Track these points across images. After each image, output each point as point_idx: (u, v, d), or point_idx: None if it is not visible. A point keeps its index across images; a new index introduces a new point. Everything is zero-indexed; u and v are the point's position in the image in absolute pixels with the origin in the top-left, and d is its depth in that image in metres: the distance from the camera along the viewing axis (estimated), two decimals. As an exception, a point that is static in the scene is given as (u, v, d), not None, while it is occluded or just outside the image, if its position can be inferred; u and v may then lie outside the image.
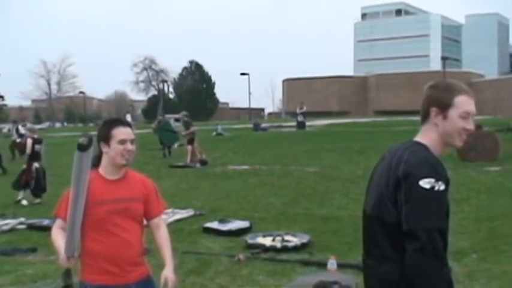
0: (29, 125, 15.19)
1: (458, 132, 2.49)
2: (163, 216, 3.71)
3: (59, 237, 3.29)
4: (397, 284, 2.38)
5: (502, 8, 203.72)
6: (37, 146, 12.85)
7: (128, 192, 3.30)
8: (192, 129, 20.75)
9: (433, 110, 2.48)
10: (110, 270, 3.24)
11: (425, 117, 2.52)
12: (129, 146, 3.26)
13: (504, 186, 12.48)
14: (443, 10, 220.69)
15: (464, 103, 2.49)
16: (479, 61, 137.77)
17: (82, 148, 2.95)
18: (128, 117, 52.24)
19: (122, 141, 3.24)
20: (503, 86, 75.66)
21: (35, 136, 13.08)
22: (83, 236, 3.29)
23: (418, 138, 2.55)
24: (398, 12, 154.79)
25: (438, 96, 2.49)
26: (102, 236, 3.23)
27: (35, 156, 12.81)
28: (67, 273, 3.27)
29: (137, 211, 3.34)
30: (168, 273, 3.37)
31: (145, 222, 3.50)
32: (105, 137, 3.26)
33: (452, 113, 2.47)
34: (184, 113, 24.52)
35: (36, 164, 12.75)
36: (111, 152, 3.25)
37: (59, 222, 3.37)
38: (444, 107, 2.47)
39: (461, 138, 2.51)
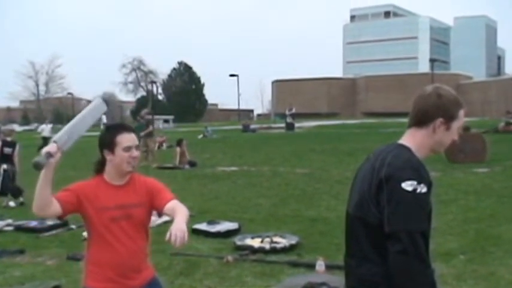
0: (3, 128, 15.03)
1: (451, 143, 2.55)
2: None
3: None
4: (377, 285, 2.40)
5: (490, 10, 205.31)
6: (7, 149, 12.72)
7: (132, 198, 3.21)
8: (150, 128, 20.62)
9: (440, 120, 2.48)
10: (114, 278, 3.17)
11: (424, 122, 2.51)
12: (135, 153, 3.17)
13: (492, 187, 12.54)
14: (431, 12, 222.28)
15: (463, 117, 2.55)
16: (468, 63, 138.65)
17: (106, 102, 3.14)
18: (104, 119, 51.91)
19: (127, 148, 3.15)
20: (490, 88, 76.09)
21: (8, 139, 12.97)
22: (89, 243, 3.25)
23: (404, 140, 2.55)
24: (387, 14, 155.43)
25: (448, 108, 2.50)
26: (108, 243, 3.16)
27: (4, 158, 12.70)
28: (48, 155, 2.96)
29: (141, 217, 3.25)
30: (174, 225, 2.92)
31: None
32: (109, 145, 3.16)
33: (455, 125, 2.52)
34: (145, 110, 23.96)
35: (4, 166, 12.64)
36: (116, 159, 3.15)
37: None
38: (450, 119, 2.50)
39: (448, 147, 2.58)
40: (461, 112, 2.53)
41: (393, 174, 2.34)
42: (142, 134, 20.64)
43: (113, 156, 3.15)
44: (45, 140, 27.44)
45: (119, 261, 3.17)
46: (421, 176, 2.34)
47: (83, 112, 3.18)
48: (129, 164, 3.17)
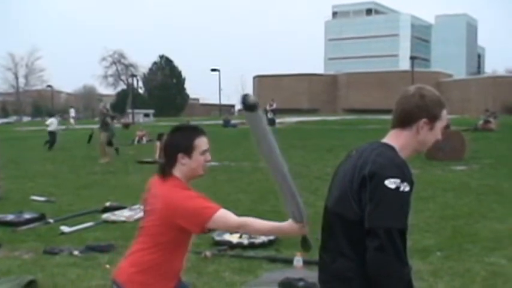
0: None
1: (434, 142, 2.57)
2: None
3: (258, 221, 3.04)
4: (350, 280, 2.41)
5: (470, 9, 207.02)
6: None
7: None
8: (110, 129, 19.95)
9: (424, 121, 2.51)
10: (164, 281, 3.05)
11: (408, 123, 2.53)
12: (209, 156, 3.10)
13: (469, 185, 12.65)
14: (413, 10, 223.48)
15: (446, 116, 2.58)
16: (448, 61, 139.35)
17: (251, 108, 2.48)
18: (72, 112, 51.12)
19: (204, 152, 3.06)
20: (470, 86, 76.60)
21: None
22: (154, 250, 3.01)
23: (387, 140, 2.57)
24: (369, 11, 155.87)
25: (431, 108, 2.52)
26: (180, 250, 3.07)
27: None
28: (305, 240, 2.93)
29: None
30: None
31: None
32: (186, 148, 3.01)
33: (438, 125, 2.55)
34: (102, 104, 22.42)
35: None
36: (193, 164, 3.02)
37: (225, 211, 2.95)
38: (433, 119, 2.52)
39: (430, 147, 2.61)
40: (444, 112, 2.56)
41: (377, 171, 2.35)
42: (101, 137, 19.80)
43: (190, 160, 3.03)
44: (52, 135, 26.39)
45: (180, 265, 3.12)
46: (404, 175, 2.35)
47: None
48: (203, 168, 3.08)
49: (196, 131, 3.12)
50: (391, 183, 2.31)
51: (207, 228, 2.94)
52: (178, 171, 3.04)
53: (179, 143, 3.04)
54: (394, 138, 2.55)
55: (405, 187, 2.32)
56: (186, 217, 2.90)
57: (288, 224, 2.84)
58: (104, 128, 20.23)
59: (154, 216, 3.00)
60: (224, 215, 2.92)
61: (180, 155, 3.02)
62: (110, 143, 20.38)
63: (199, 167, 3.06)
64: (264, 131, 2.57)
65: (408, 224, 2.38)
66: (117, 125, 23.82)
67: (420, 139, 2.54)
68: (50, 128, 26.82)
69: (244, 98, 2.43)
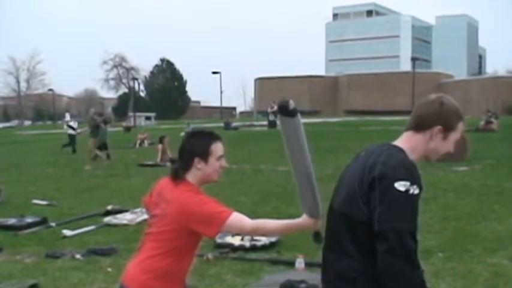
0: None
1: (445, 153, 2.58)
2: None
3: (271, 221, 3.05)
4: (355, 280, 2.41)
5: (471, 9, 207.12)
6: None
7: None
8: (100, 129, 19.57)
9: (438, 128, 2.50)
10: (175, 286, 3.04)
11: (422, 128, 2.53)
12: (224, 162, 3.11)
13: (471, 186, 12.63)
14: (413, 11, 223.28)
15: (461, 129, 2.57)
16: (449, 62, 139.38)
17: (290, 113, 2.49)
18: (67, 117, 50.96)
19: (220, 158, 3.07)
20: (471, 87, 76.61)
21: None
22: (166, 255, 2.99)
23: (398, 142, 2.57)
24: (369, 13, 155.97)
25: (448, 117, 2.51)
26: (191, 254, 3.06)
27: None
28: (317, 234, 2.91)
29: None
30: None
31: None
32: (202, 153, 3.02)
33: (452, 136, 2.54)
34: (93, 110, 21.83)
35: None
36: (208, 169, 3.04)
37: (239, 215, 2.99)
38: (448, 129, 2.52)
39: (441, 157, 2.61)
40: (461, 124, 2.55)
41: (387, 173, 2.35)
42: (90, 145, 19.42)
43: (205, 165, 3.04)
44: (72, 137, 25.86)
45: (189, 268, 3.10)
46: (414, 177, 2.36)
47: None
48: (218, 173, 3.10)
49: (213, 137, 3.11)
50: (400, 185, 2.31)
51: (220, 232, 2.96)
52: (192, 175, 3.04)
53: (195, 147, 3.04)
54: (405, 140, 2.55)
55: (414, 190, 2.33)
56: (200, 222, 2.90)
57: (303, 219, 2.87)
58: (94, 134, 19.70)
59: (165, 221, 2.97)
60: (238, 219, 2.95)
61: (196, 160, 3.01)
62: (104, 147, 20.20)
63: (215, 172, 3.08)
64: (300, 135, 2.60)
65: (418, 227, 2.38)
66: (110, 128, 23.45)
67: (432, 146, 2.53)
68: (69, 131, 26.62)
69: (285, 104, 2.47)
